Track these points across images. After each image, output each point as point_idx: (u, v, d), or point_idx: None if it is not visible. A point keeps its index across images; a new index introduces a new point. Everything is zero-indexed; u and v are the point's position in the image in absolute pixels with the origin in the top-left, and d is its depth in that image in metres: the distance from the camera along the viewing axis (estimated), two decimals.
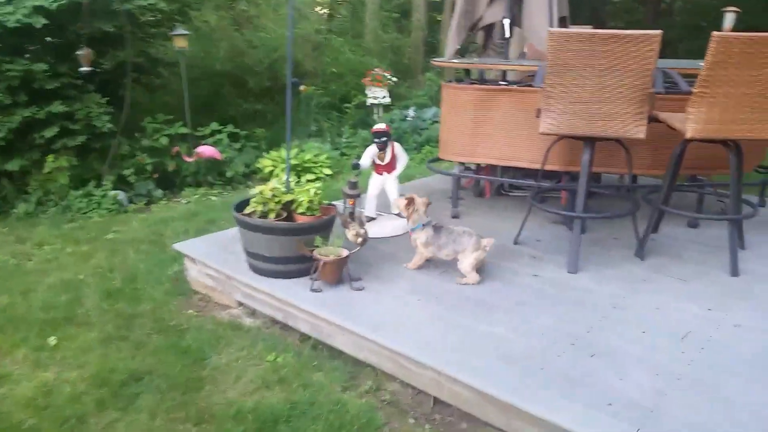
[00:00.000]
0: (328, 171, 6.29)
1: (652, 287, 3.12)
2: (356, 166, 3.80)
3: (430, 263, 3.34)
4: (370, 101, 8.03)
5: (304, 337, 3.03)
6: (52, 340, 3.04)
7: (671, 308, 2.89)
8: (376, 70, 8.10)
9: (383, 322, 2.75)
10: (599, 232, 3.87)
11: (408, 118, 7.90)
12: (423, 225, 3.21)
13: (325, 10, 11.70)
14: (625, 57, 3.00)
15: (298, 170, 6.10)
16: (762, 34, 2.88)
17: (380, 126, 3.80)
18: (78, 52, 5.15)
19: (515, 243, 3.69)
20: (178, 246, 3.67)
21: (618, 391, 2.25)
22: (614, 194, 4.35)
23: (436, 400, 2.53)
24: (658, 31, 2.93)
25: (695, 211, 4.04)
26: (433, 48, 11.38)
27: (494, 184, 4.71)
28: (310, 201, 3.18)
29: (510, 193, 4.74)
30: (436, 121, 7.74)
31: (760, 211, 3.50)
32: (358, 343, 2.72)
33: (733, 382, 2.32)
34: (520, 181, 4.24)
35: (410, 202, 3.20)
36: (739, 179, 3.27)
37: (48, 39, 5.35)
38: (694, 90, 3.05)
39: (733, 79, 2.99)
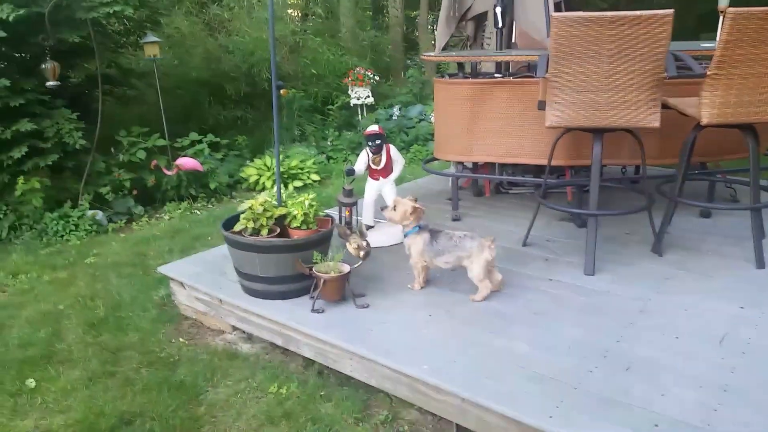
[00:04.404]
0: (315, 177, 6.06)
1: (676, 286, 2.92)
2: (350, 173, 3.56)
3: (438, 272, 3.12)
4: (353, 102, 7.79)
5: (308, 363, 2.79)
6: (31, 383, 2.76)
7: (701, 309, 2.69)
8: (357, 69, 7.85)
9: (394, 343, 2.52)
10: (610, 228, 3.67)
11: (393, 117, 7.67)
12: (419, 227, 2.93)
13: (298, 12, 11.45)
14: (635, 40, 2.79)
15: (285, 178, 5.88)
16: None
17: (374, 128, 3.56)
18: (43, 66, 4.85)
19: (524, 245, 3.48)
20: (164, 269, 3.41)
21: (662, 409, 2.04)
22: (620, 186, 4.16)
23: (459, 428, 2.31)
24: (670, 11, 2.72)
25: (707, 200, 3.86)
26: (412, 44, 11.15)
27: (493, 182, 4.50)
28: (305, 214, 2.94)
29: (510, 191, 4.53)
30: (423, 119, 7.53)
31: None
32: (369, 368, 2.49)
33: None
34: (525, 178, 4.03)
35: (405, 213, 2.91)
36: (759, 165, 3.08)
37: (8, 53, 5.03)
38: (708, 72, 2.86)
39: (749, 58, 2.80)
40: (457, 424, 2.30)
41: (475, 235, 2.85)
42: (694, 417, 2.00)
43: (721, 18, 2.89)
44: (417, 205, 2.92)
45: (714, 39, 3.14)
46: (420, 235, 2.92)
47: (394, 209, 2.94)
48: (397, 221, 2.95)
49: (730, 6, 2.89)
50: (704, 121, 2.93)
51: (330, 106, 7.98)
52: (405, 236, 2.98)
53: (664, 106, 3.11)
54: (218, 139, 6.39)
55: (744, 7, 2.70)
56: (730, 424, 1.96)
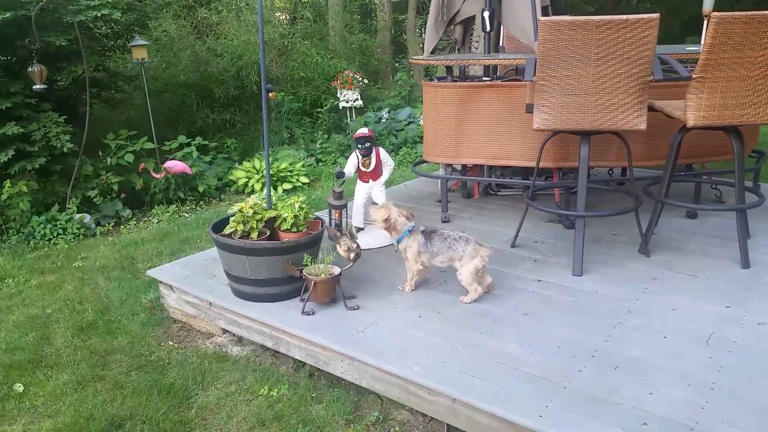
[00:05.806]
0: (304, 179, 6.06)
1: (663, 286, 2.95)
2: (340, 175, 3.56)
3: (428, 273, 3.13)
4: (342, 104, 7.80)
5: (299, 365, 2.79)
6: (19, 387, 2.75)
7: (688, 308, 2.73)
8: (346, 72, 7.86)
9: (385, 344, 2.53)
10: (598, 229, 3.71)
11: (383, 120, 7.68)
12: (409, 231, 2.94)
13: (287, 15, 11.44)
14: (622, 44, 2.83)
15: (274, 180, 5.87)
16: (762, 12, 2.73)
17: (363, 131, 3.57)
18: (30, 69, 4.81)
19: (513, 246, 3.50)
20: (153, 272, 3.40)
21: (650, 408, 2.06)
22: (607, 188, 4.20)
23: (450, 428, 2.32)
24: (656, 15, 2.76)
25: (693, 201, 3.91)
26: (401, 47, 11.17)
27: (482, 184, 4.52)
28: (295, 216, 2.94)
29: (498, 193, 4.56)
30: (412, 122, 7.55)
31: (766, 198, 3.35)
32: (360, 369, 2.50)
33: None
34: (514, 180, 4.06)
35: (386, 219, 2.93)
36: (743, 167, 3.12)
37: None
38: (694, 75, 2.90)
39: (734, 61, 2.84)
40: (448, 425, 2.31)
41: (470, 239, 2.85)
42: (682, 415, 2.02)
43: (705, 22, 2.93)
44: (403, 210, 2.96)
45: (699, 43, 3.19)
46: (414, 238, 2.93)
47: (381, 211, 2.95)
48: (378, 225, 2.97)
49: (714, 10, 2.94)
50: (690, 123, 2.97)
51: (319, 109, 7.98)
52: (398, 242, 2.98)
53: (651, 108, 3.15)
54: (207, 142, 6.38)
55: (728, 12, 2.75)
56: (717, 421, 1.99)
